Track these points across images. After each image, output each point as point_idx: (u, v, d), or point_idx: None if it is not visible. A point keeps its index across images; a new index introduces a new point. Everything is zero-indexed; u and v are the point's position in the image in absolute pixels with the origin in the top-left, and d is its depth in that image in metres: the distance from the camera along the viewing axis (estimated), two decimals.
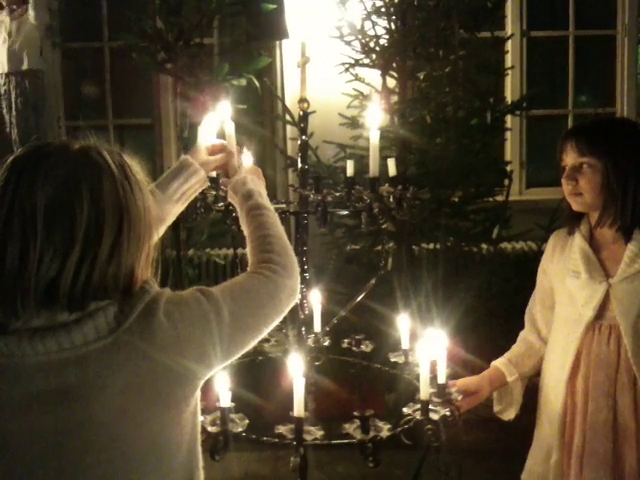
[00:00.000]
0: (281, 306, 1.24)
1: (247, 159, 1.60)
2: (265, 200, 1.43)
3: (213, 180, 1.59)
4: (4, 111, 4.67)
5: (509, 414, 1.94)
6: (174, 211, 1.49)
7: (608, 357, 1.71)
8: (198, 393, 1.16)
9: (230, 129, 1.59)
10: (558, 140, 1.79)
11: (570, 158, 1.74)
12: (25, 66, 4.42)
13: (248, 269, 1.28)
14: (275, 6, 3.83)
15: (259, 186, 1.47)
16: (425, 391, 1.51)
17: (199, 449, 1.20)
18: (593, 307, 1.72)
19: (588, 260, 1.75)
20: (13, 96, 4.52)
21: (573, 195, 1.75)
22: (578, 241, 1.79)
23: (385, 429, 1.46)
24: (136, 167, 1.13)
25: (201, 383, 1.15)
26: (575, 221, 1.81)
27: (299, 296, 1.69)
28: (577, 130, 1.81)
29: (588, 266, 1.74)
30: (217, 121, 1.64)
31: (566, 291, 1.79)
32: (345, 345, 1.93)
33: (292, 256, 1.31)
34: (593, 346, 1.73)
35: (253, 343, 1.20)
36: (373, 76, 3.72)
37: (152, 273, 1.15)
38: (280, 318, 1.25)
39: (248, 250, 1.34)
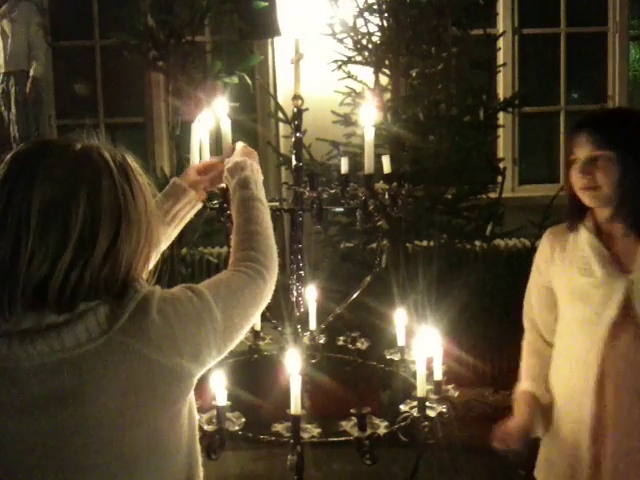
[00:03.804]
0: (261, 306, 1.25)
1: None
2: (260, 191, 1.42)
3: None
4: (2, 109, 4.69)
5: (539, 431, 1.77)
6: (167, 233, 1.48)
7: (636, 356, 1.59)
8: (192, 391, 1.15)
9: (226, 127, 1.58)
10: (568, 132, 1.70)
11: (584, 151, 1.61)
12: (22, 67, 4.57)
13: (231, 263, 1.27)
14: (267, 4, 3.82)
15: (257, 174, 1.46)
16: (422, 388, 1.51)
17: (198, 447, 1.19)
18: (616, 306, 1.59)
19: (601, 256, 1.63)
20: (12, 94, 4.56)
21: (588, 189, 1.62)
22: (585, 237, 1.67)
23: (382, 426, 1.46)
24: (139, 170, 1.11)
25: (196, 380, 1.14)
26: (578, 217, 1.70)
27: (295, 294, 1.69)
28: (591, 121, 1.66)
29: (603, 262, 1.62)
30: (211, 119, 1.63)
31: (575, 291, 1.67)
32: (341, 343, 1.93)
33: (275, 257, 1.30)
34: (619, 346, 1.60)
35: (238, 341, 1.20)
36: (366, 73, 3.72)
37: (150, 276, 1.14)
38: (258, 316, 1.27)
39: (233, 241, 1.32)
